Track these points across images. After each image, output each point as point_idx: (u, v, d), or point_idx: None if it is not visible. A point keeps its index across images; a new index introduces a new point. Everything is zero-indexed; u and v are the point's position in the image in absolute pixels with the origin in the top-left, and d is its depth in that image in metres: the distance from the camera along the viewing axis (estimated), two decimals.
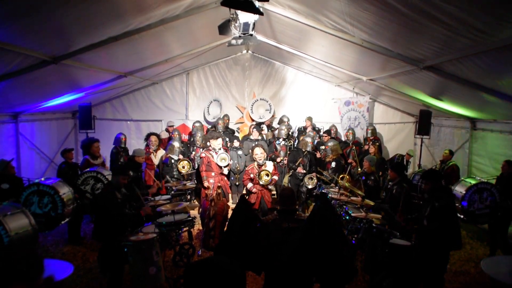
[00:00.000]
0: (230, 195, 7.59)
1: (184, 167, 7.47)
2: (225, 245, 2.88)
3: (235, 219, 2.93)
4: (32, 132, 7.88)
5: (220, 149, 7.12)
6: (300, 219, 3.07)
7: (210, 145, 7.12)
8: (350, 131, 9.18)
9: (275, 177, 6.73)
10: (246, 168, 7.03)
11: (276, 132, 8.89)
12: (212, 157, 7.01)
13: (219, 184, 6.64)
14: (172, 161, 7.57)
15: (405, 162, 8.99)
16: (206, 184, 6.75)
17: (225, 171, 7.18)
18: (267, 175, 6.50)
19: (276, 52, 9.01)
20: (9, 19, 3.69)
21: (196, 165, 8.07)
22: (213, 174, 6.93)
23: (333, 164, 7.51)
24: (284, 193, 3.17)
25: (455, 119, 8.46)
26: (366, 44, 5.33)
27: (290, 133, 9.01)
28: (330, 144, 7.73)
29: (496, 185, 5.95)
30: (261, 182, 6.47)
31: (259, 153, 6.66)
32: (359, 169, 8.09)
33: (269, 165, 6.75)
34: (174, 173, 7.51)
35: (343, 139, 9.62)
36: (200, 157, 7.21)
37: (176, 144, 7.74)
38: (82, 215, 6.47)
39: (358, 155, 8.40)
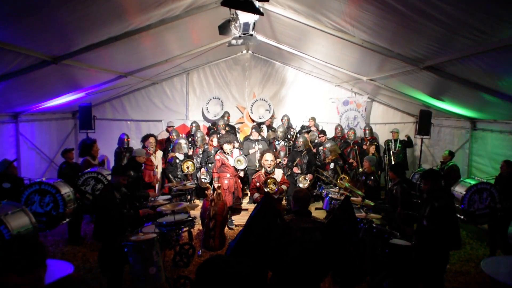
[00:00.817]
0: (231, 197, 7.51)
1: (189, 167, 7.38)
2: (243, 245, 2.85)
3: (257, 217, 2.91)
4: (32, 132, 7.87)
5: (230, 152, 6.87)
6: (316, 220, 3.11)
7: (224, 148, 6.86)
8: (351, 131, 9.15)
9: (284, 186, 6.24)
10: (253, 177, 6.75)
11: (272, 137, 8.89)
12: (227, 159, 6.81)
13: (219, 185, 6.63)
14: (177, 161, 7.51)
15: (393, 142, 9.10)
16: (216, 185, 6.37)
17: (241, 173, 7.02)
18: (274, 183, 6.07)
19: (276, 52, 9.01)
20: (9, 19, 3.69)
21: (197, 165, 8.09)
22: (228, 175, 6.75)
23: (332, 165, 7.47)
24: (299, 195, 3.20)
25: (455, 119, 8.46)
26: (366, 44, 5.33)
27: (289, 133, 9.03)
28: (328, 145, 7.68)
29: (495, 185, 5.96)
30: (266, 190, 6.04)
31: (269, 159, 6.19)
32: (360, 169, 8.11)
33: (278, 173, 6.32)
34: (178, 173, 7.46)
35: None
36: (215, 159, 7.06)
37: (183, 141, 7.70)
38: (82, 215, 6.47)
39: (359, 155, 8.43)
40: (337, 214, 3.07)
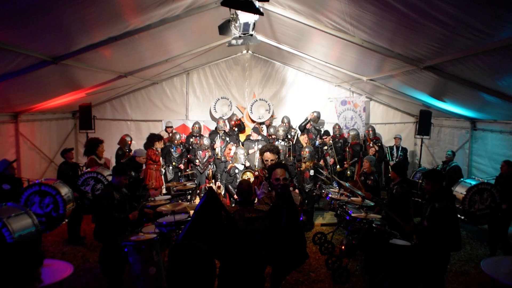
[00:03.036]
0: None
1: (250, 179, 6.91)
2: (189, 236, 2.89)
3: (201, 210, 2.97)
4: (32, 132, 7.87)
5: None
6: (258, 209, 3.25)
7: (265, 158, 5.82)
8: (348, 133, 9.14)
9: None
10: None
11: (272, 130, 8.84)
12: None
13: (219, 184, 6.62)
14: (236, 171, 7.10)
15: (395, 149, 9.00)
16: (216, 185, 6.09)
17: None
18: None
19: (276, 52, 9.01)
20: (9, 19, 3.69)
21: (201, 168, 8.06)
22: None
23: (311, 172, 7.16)
24: (242, 187, 3.33)
25: (455, 119, 8.47)
26: (366, 44, 5.33)
27: (290, 133, 9.01)
28: (307, 149, 7.34)
29: (496, 185, 5.96)
30: (210, 186, 5.28)
31: (269, 159, 4.99)
32: (348, 172, 8.13)
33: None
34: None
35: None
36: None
37: (241, 151, 7.25)
38: (82, 215, 6.47)
39: (352, 157, 8.44)
40: (277, 201, 3.19)
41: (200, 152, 8.19)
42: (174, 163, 8.39)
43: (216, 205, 2.96)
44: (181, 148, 8.57)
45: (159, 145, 7.91)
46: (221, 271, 3.07)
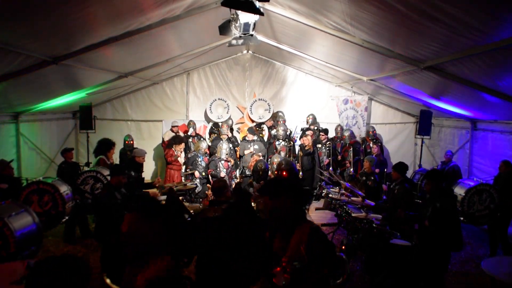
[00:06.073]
0: None
1: None
2: None
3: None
4: (32, 132, 7.88)
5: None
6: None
7: None
8: (347, 132, 9.12)
9: None
10: None
11: (273, 131, 8.83)
12: None
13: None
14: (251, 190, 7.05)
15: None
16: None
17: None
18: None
19: (277, 52, 9.01)
20: (9, 19, 3.70)
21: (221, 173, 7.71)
22: None
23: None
24: (216, 185, 3.32)
25: (456, 119, 8.46)
26: (366, 45, 5.33)
27: (288, 134, 9.00)
28: (277, 160, 6.99)
29: (495, 185, 5.97)
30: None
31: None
32: (351, 169, 8.09)
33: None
34: None
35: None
36: None
37: (276, 159, 6.93)
38: (86, 214, 6.48)
39: (354, 156, 8.44)
40: (233, 201, 3.13)
41: (222, 163, 7.62)
42: (203, 173, 7.81)
43: (178, 208, 2.94)
44: (208, 157, 8.12)
45: (178, 148, 7.83)
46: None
